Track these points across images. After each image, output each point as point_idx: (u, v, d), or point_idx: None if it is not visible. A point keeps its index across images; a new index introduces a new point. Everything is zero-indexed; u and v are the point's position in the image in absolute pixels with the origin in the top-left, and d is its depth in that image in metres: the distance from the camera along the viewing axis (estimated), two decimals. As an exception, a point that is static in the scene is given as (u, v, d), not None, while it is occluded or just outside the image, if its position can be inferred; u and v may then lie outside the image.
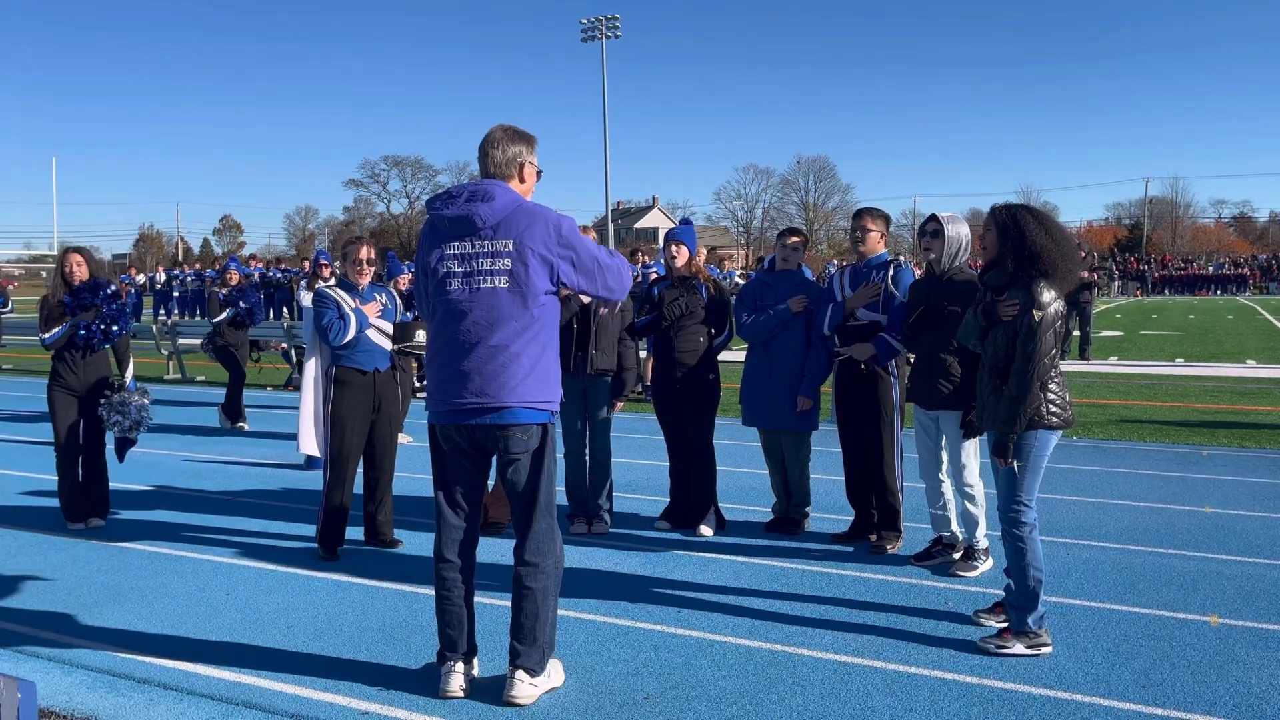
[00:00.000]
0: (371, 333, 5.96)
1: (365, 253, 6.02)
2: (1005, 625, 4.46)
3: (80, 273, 6.68)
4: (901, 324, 5.65)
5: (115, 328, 6.69)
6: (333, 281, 6.72)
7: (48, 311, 6.61)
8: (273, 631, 4.71)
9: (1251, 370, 16.41)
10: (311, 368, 6.10)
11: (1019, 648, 4.32)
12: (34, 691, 2.27)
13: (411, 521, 6.58)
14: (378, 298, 6.07)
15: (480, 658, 4.14)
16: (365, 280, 6.05)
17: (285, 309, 27.62)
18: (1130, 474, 8.19)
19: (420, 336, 6.41)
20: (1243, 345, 21.20)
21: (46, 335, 6.58)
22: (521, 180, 3.96)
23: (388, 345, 6.09)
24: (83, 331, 6.56)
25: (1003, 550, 4.48)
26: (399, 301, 6.36)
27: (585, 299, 6.20)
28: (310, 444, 6.23)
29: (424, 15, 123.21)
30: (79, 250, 6.81)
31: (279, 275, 29.89)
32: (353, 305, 5.90)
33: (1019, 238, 4.33)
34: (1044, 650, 4.33)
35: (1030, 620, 4.35)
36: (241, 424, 11.04)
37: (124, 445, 6.72)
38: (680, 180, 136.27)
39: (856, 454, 6.11)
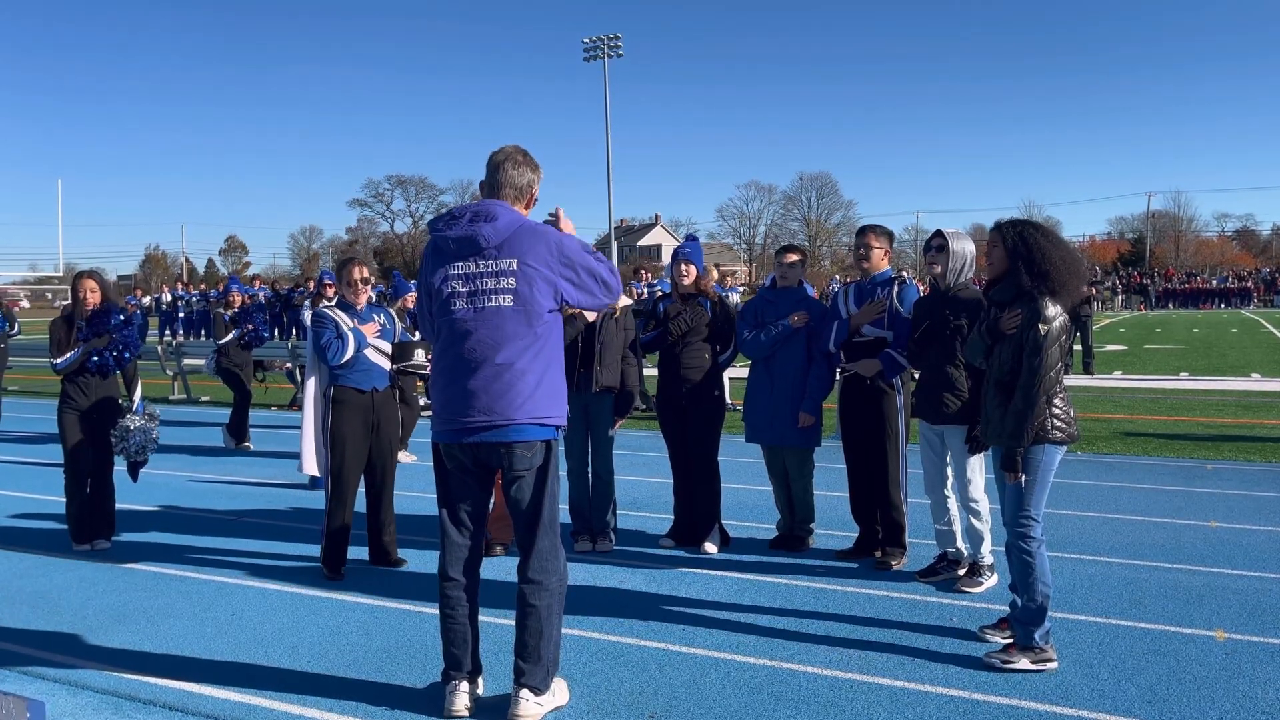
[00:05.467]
0: (370, 352, 5.99)
1: (359, 272, 6.06)
2: (1010, 640, 4.46)
3: (93, 298, 6.72)
4: (908, 340, 5.67)
5: (127, 354, 6.74)
6: (333, 302, 6.75)
7: (60, 336, 6.64)
8: (278, 651, 4.72)
9: (1256, 384, 16.38)
10: (312, 387, 6.12)
11: (1024, 663, 4.31)
12: (43, 711, 2.28)
13: (415, 540, 6.58)
14: (376, 318, 6.10)
15: (485, 676, 4.15)
16: (362, 300, 6.08)
17: (295, 329, 27.64)
18: (1135, 488, 8.17)
19: (419, 356, 6.42)
20: (1247, 359, 21.17)
21: (59, 360, 6.61)
22: (527, 207, 4.04)
23: (386, 364, 6.12)
24: (95, 358, 6.61)
25: (1008, 565, 4.48)
26: (397, 321, 6.39)
27: (590, 317, 6.26)
28: (312, 464, 6.22)
29: (427, 36, 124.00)
30: (92, 275, 6.86)
31: (291, 294, 29.87)
32: (351, 325, 5.93)
33: (1028, 255, 4.35)
34: (1049, 666, 4.32)
35: (1036, 635, 4.35)
36: (246, 444, 11.06)
37: (135, 466, 6.79)
38: (683, 197, 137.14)
39: (861, 470, 6.11)
